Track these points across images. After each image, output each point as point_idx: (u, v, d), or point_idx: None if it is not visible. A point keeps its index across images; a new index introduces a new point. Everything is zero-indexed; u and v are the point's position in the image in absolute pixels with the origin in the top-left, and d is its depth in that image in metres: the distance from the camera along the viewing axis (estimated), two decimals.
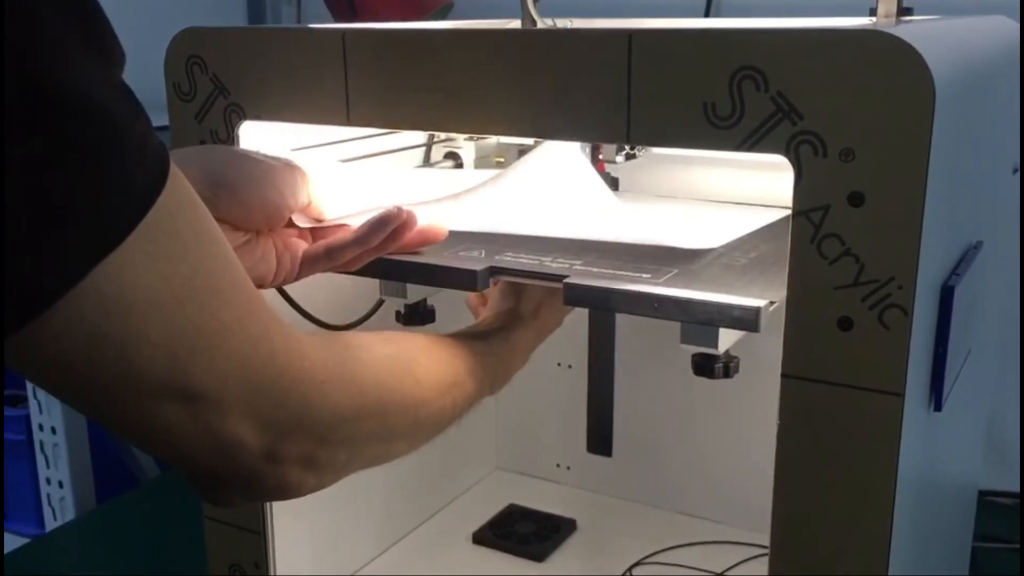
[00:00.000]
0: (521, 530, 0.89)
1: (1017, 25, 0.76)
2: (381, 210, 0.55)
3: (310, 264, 0.55)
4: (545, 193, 0.65)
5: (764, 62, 0.44)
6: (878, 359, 0.44)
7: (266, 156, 0.53)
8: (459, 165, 0.82)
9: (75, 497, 1.18)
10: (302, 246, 0.55)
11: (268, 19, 1.43)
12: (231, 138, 0.61)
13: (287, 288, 0.66)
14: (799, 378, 0.46)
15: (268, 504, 0.67)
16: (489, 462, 1.01)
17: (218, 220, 0.48)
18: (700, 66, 0.46)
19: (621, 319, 0.90)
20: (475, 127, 0.53)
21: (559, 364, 0.95)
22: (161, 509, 1.08)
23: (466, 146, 0.81)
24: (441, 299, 0.71)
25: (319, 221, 0.56)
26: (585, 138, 0.50)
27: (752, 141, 0.45)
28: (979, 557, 0.89)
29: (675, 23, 0.80)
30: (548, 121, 0.50)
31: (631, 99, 0.48)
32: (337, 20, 1.25)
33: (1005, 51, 0.68)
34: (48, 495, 1.19)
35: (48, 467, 1.18)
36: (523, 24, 0.81)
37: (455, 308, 0.71)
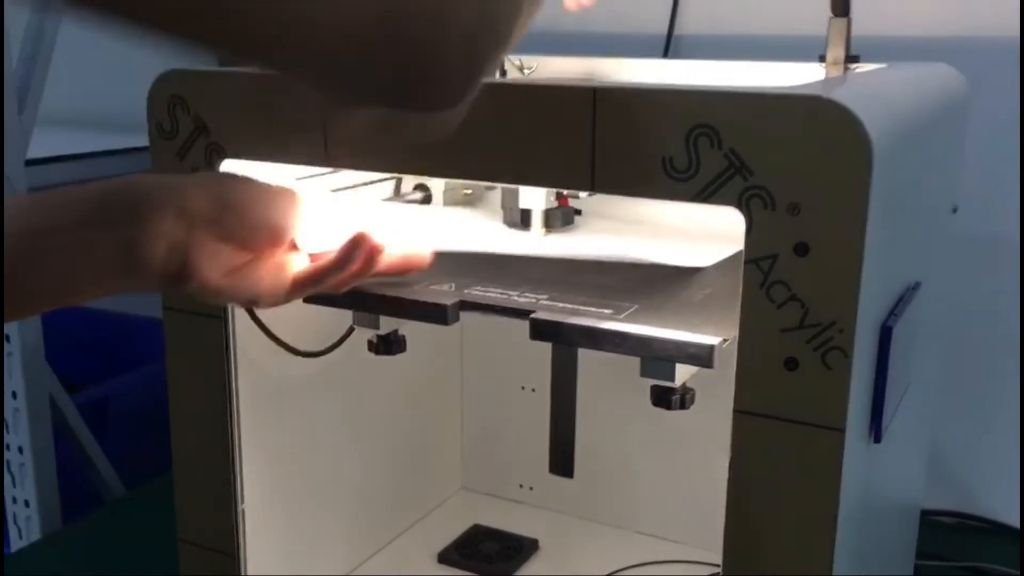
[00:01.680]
0: (485, 550, 0.91)
1: (959, 74, 0.81)
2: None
3: (299, 287, 0.57)
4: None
5: (718, 121, 0.48)
6: (821, 397, 0.48)
7: (275, 184, 0.56)
8: (428, 196, 0.84)
9: (41, 516, 1.19)
10: (292, 271, 0.57)
11: None
12: None
13: (262, 315, 0.68)
14: (749, 413, 0.50)
15: (241, 526, 0.70)
16: (454, 482, 1.04)
17: (224, 240, 0.52)
18: (659, 122, 0.49)
19: None
20: (448, 173, 0.56)
21: (523, 388, 0.98)
22: (128, 529, 1.09)
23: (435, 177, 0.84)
24: (412, 329, 0.74)
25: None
26: (552, 185, 0.53)
27: (707, 193, 0.49)
28: (923, 575, 0.93)
29: (635, 68, 0.84)
30: (518, 169, 0.53)
31: (595, 151, 0.51)
32: None
33: (945, 99, 0.72)
34: (14, 514, 1.20)
35: (15, 486, 1.19)
36: None
37: (426, 338, 0.74)
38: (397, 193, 0.84)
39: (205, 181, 0.54)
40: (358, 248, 0.55)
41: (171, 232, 0.51)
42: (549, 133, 0.52)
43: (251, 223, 0.53)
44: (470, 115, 0.54)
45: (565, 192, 0.80)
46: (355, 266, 0.56)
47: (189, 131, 0.63)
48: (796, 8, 1.11)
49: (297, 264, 0.57)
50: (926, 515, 0.93)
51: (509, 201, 0.77)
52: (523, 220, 0.76)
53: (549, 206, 0.75)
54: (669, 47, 1.18)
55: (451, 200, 0.86)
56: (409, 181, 0.84)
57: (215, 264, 0.52)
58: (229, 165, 0.63)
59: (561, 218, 0.76)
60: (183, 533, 0.71)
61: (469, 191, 0.88)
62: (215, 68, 0.65)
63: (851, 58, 0.75)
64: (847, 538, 0.52)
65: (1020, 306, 1.06)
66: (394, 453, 0.92)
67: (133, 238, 0.50)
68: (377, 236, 0.56)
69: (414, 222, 0.66)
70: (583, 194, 0.81)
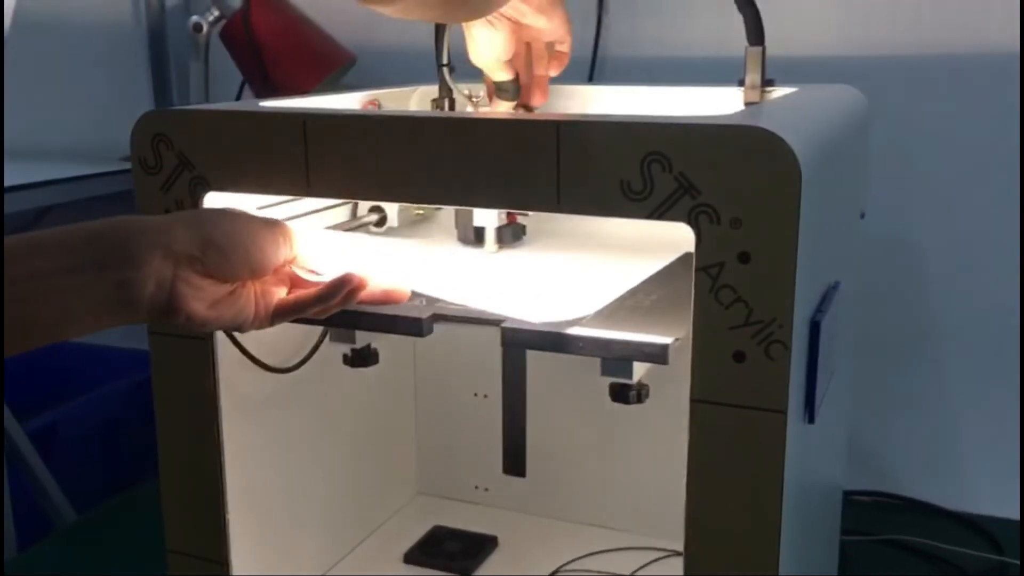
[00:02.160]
0: (448, 548, 0.97)
1: (861, 94, 0.90)
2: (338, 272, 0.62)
3: (281, 315, 0.62)
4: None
5: (669, 149, 0.55)
6: (766, 384, 0.55)
7: (253, 216, 0.60)
8: (383, 218, 0.90)
9: None
10: (276, 297, 0.62)
11: (172, 73, 1.48)
12: (196, 207, 0.68)
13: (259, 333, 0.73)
14: (705, 402, 0.57)
15: (228, 534, 0.74)
16: (411, 488, 1.09)
17: (205, 275, 0.57)
18: (617, 151, 0.56)
19: (533, 351, 0.99)
20: (426, 199, 0.62)
21: (475, 394, 1.04)
22: (84, 553, 1.12)
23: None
24: (384, 343, 0.79)
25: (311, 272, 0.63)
26: (522, 208, 0.59)
27: (660, 211, 0.56)
28: (846, 549, 1.02)
29: (564, 95, 0.92)
30: (491, 194, 0.60)
31: (560, 176, 0.58)
32: (247, 78, 1.32)
33: (852, 118, 0.81)
34: None
35: None
36: (440, 93, 0.91)
37: (398, 351, 0.79)
38: (354, 216, 0.89)
39: (189, 221, 0.58)
40: (343, 286, 0.60)
41: (159, 271, 0.55)
42: (518, 162, 0.58)
43: (233, 259, 0.57)
44: (446, 146, 0.60)
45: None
46: (337, 300, 0.61)
47: (173, 166, 0.68)
48: (711, 32, 1.20)
49: (279, 293, 0.62)
50: (846, 495, 1.02)
51: (464, 219, 0.83)
52: (476, 237, 0.82)
53: (500, 223, 0.82)
54: (594, 70, 1.26)
55: (405, 220, 0.91)
56: (365, 204, 0.90)
57: (200, 297, 0.56)
58: (214, 197, 0.68)
59: (511, 234, 0.83)
60: (172, 544, 0.75)
61: (421, 211, 0.93)
62: (197, 107, 0.70)
63: (767, 82, 0.83)
64: (789, 512, 0.60)
65: (1020, 306, 1.15)
66: (355, 461, 0.97)
67: (125, 279, 0.54)
68: (361, 271, 0.61)
69: (385, 251, 0.71)
70: (529, 212, 0.88)
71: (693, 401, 0.57)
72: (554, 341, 0.64)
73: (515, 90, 0.87)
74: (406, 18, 0.63)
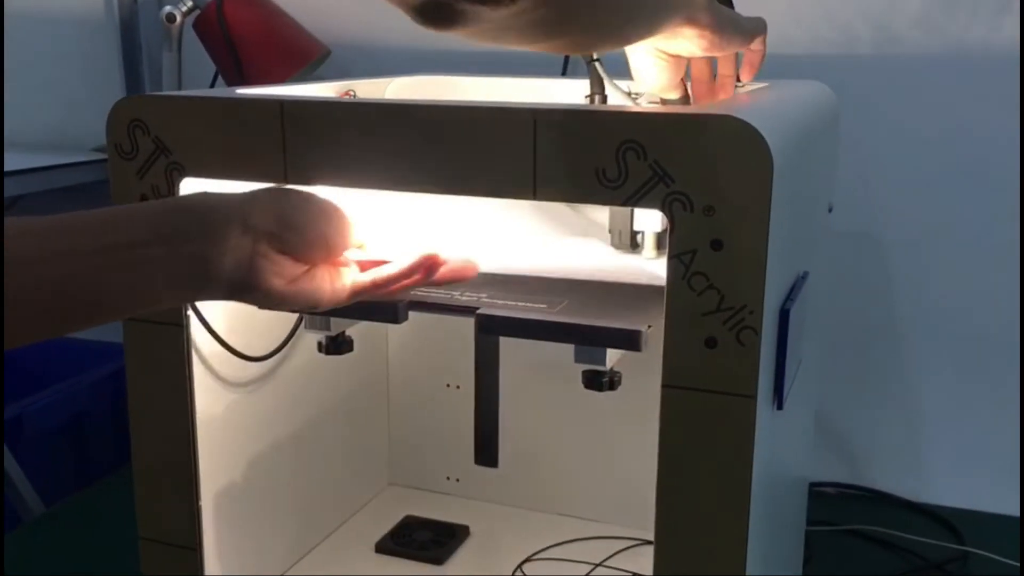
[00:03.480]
0: (419, 538, 0.97)
1: (830, 90, 0.92)
2: (419, 249, 0.62)
3: (358, 293, 0.62)
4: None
5: (643, 137, 0.56)
6: (736, 369, 0.57)
7: (325, 199, 0.61)
8: None
9: None
10: (349, 275, 0.61)
11: (145, 64, 1.48)
12: (172, 193, 0.68)
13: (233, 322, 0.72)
14: (676, 387, 0.58)
15: (199, 521, 0.74)
16: (382, 479, 1.09)
17: (284, 254, 0.57)
18: (593, 139, 0.57)
19: (505, 342, 1.00)
20: (403, 186, 0.62)
21: (448, 385, 1.05)
22: (50, 546, 1.11)
23: None
24: (358, 332, 0.80)
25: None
26: (499, 195, 0.60)
27: (635, 199, 0.57)
28: (810, 539, 1.04)
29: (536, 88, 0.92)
30: (468, 181, 0.60)
31: (536, 165, 0.58)
32: (220, 69, 1.31)
33: (821, 113, 0.83)
34: None
35: None
36: (591, 88, 0.85)
37: (370, 339, 0.80)
38: None
39: (267, 198, 0.58)
40: (422, 265, 0.61)
41: (237, 246, 0.54)
42: (496, 150, 0.59)
43: (308, 239, 0.58)
44: (424, 134, 0.61)
45: None
46: (416, 278, 0.61)
47: (149, 152, 0.68)
48: None
49: (350, 271, 0.62)
50: (812, 486, 1.04)
51: (619, 224, 0.80)
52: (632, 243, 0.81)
53: (664, 228, 0.74)
54: (567, 64, 1.27)
55: None
56: None
57: (279, 273, 0.56)
58: (190, 183, 0.68)
59: None
60: (144, 531, 0.75)
61: None
62: (173, 93, 0.70)
63: (738, 77, 0.84)
64: (759, 498, 0.61)
65: (1020, 305, 1.17)
66: (327, 450, 0.97)
67: (203, 252, 0.54)
68: (438, 250, 0.61)
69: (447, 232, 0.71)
70: None
71: (664, 386, 0.58)
72: (528, 327, 0.65)
73: (683, 102, 0.77)
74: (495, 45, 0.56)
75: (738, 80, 0.84)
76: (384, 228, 0.65)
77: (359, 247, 0.63)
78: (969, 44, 1.14)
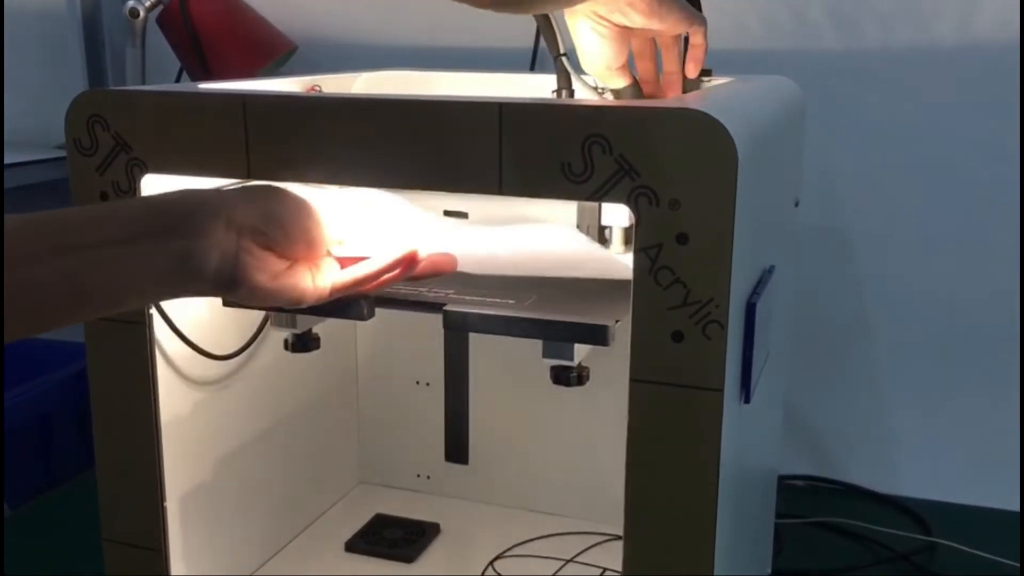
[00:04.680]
0: (390, 536, 0.97)
1: (796, 85, 0.92)
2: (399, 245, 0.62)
3: (339, 290, 0.62)
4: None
5: (609, 131, 0.55)
6: (703, 363, 0.57)
7: (306, 197, 0.61)
8: None
9: None
10: (330, 272, 0.62)
11: (108, 59, 1.46)
12: (132, 189, 0.67)
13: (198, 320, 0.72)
14: (644, 381, 0.58)
15: (164, 522, 0.73)
16: (352, 477, 1.09)
17: (268, 250, 0.57)
18: (558, 133, 0.57)
19: (474, 339, 1.00)
20: (368, 182, 0.62)
21: (417, 382, 1.04)
22: (14, 549, 1.09)
23: None
24: (325, 330, 0.79)
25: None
26: (465, 190, 0.59)
27: (601, 193, 0.56)
28: (779, 531, 1.04)
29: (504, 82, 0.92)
30: (432, 175, 0.60)
31: (502, 157, 0.58)
32: (185, 65, 1.30)
33: (787, 108, 0.83)
34: None
35: None
36: (558, 84, 0.85)
37: (338, 336, 0.79)
38: None
39: (251, 194, 0.59)
40: (404, 260, 0.61)
41: (223, 241, 0.55)
42: (461, 143, 0.59)
43: (292, 235, 0.58)
44: (388, 128, 0.60)
45: None
46: (396, 274, 0.62)
47: (109, 148, 0.67)
48: None
49: (331, 267, 0.62)
50: (780, 479, 1.05)
51: (587, 219, 0.78)
52: (601, 238, 0.78)
53: (630, 223, 0.71)
54: (535, 60, 1.27)
55: None
56: None
57: (263, 269, 0.57)
58: (151, 179, 0.67)
59: None
60: (108, 533, 0.74)
61: None
62: (134, 87, 0.69)
63: (704, 72, 0.84)
64: (727, 491, 0.61)
65: (1020, 304, 1.17)
66: (296, 449, 0.96)
67: (189, 248, 0.54)
68: (417, 246, 0.62)
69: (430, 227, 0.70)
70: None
71: (632, 380, 0.58)
72: (497, 324, 0.64)
73: (633, 94, 0.80)
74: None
75: (704, 74, 0.84)
76: (363, 223, 0.65)
77: (339, 243, 0.63)
78: (935, 38, 1.15)
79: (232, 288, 0.56)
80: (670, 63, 0.79)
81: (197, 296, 0.57)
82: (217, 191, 0.57)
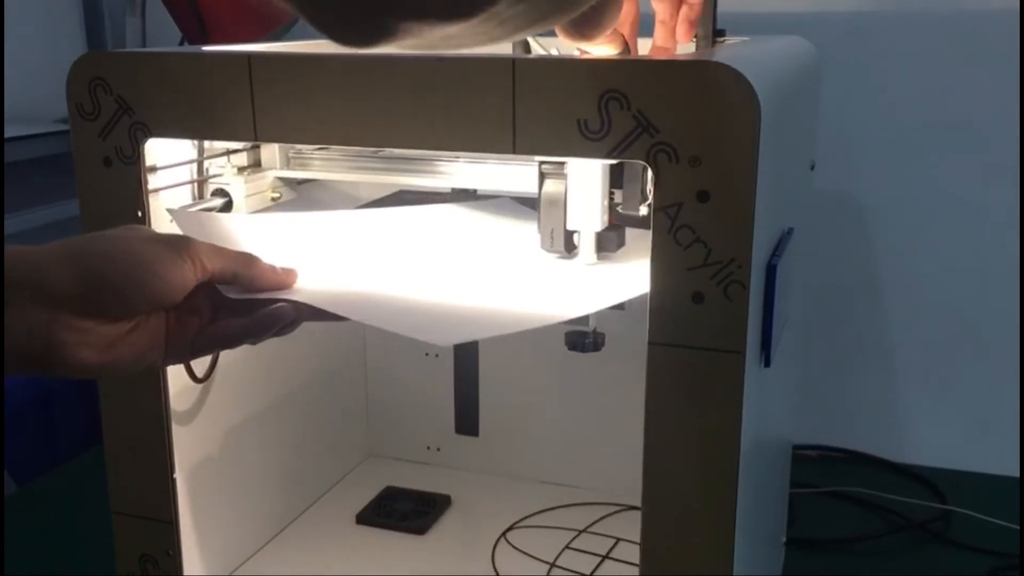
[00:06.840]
0: (401, 508, 0.96)
1: (812, 45, 0.90)
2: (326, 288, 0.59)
3: (202, 348, 0.56)
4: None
5: (627, 86, 0.54)
6: (724, 325, 0.55)
7: (151, 237, 0.53)
8: (229, 202, 0.79)
9: None
10: (194, 325, 0.55)
11: (107, 30, 1.44)
12: (136, 154, 0.65)
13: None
14: (663, 344, 0.56)
15: (174, 495, 0.72)
16: (362, 450, 1.08)
17: (96, 316, 0.49)
18: (574, 89, 0.55)
19: None
20: (376, 141, 0.60)
21: (427, 354, 1.03)
22: (23, 525, 1.09)
23: (235, 182, 0.78)
24: None
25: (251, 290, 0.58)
26: (476, 149, 0.58)
27: (619, 151, 0.55)
28: (792, 501, 1.03)
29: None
30: (444, 135, 0.58)
31: (515, 117, 0.56)
32: (185, 35, 1.28)
33: (804, 67, 0.81)
34: None
35: None
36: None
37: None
38: (200, 198, 0.77)
39: (69, 254, 0.50)
40: (275, 320, 0.56)
41: (30, 317, 0.47)
42: (473, 102, 0.57)
43: (127, 292, 0.50)
44: (399, 86, 0.58)
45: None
46: (269, 335, 0.56)
47: (112, 111, 0.65)
48: None
49: (199, 318, 0.55)
50: (794, 449, 1.03)
51: (551, 222, 0.69)
52: (568, 246, 0.70)
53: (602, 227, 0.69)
54: None
55: (255, 206, 0.80)
56: (209, 187, 0.79)
57: (88, 343, 0.49)
58: (155, 144, 0.65)
59: (616, 241, 0.70)
60: (117, 506, 0.73)
61: (277, 195, 0.83)
62: (135, 50, 0.67)
63: (718, 32, 0.82)
64: (746, 458, 0.60)
65: (1020, 296, 1.16)
66: (306, 422, 0.95)
67: None
68: (299, 284, 0.57)
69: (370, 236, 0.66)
70: None
71: (651, 344, 0.57)
72: None
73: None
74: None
75: (718, 35, 0.82)
76: (271, 247, 0.59)
77: (209, 283, 0.55)
78: (957, 2, 1.13)
79: (48, 369, 0.49)
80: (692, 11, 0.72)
81: (17, 375, 0.50)
82: (32, 252, 0.49)
